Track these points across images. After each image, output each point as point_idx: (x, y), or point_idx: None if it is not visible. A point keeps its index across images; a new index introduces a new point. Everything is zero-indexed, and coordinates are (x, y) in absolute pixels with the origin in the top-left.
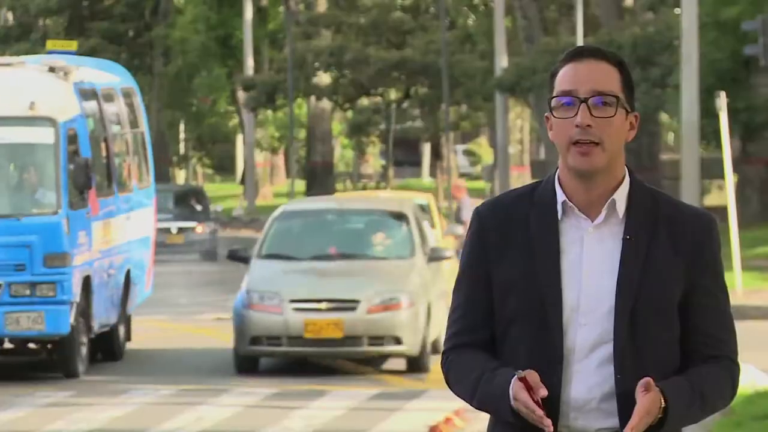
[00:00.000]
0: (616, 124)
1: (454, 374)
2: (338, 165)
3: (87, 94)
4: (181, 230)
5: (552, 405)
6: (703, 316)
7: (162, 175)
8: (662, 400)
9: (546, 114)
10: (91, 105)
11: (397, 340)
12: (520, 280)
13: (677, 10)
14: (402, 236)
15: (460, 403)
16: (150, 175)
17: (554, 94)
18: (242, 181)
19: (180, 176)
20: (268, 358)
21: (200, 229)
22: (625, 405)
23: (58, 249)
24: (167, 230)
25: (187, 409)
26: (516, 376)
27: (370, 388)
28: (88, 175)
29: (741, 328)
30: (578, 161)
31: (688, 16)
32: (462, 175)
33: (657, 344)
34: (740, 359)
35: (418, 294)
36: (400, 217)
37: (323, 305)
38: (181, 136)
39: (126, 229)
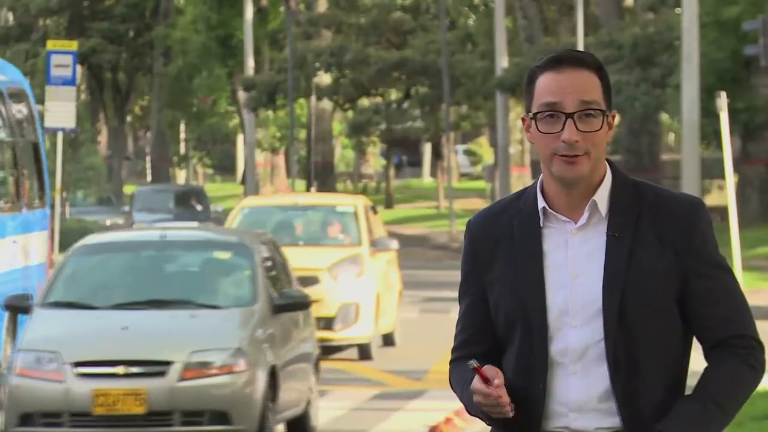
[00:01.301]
0: (601, 135)
1: (452, 387)
2: (339, 165)
3: None
4: None
5: (536, 411)
6: (702, 300)
7: (163, 175)
8: None
9: (522, 116)
10: None
11: (224, 417)
12: (507, 289)
13: (678, 10)
14: (241, 277)
15: (459, 403)
16: (45, 194)
17: (537, 109)
18: (243, 181)
19: (180, 176)
20: None
21: None
22: (625, 402)
23: None
24: None
25: None
26: (471, 367)
27: (370, 388)
28: None
29: None
30: (563, 170)
31: (689, 15)
32: (463, 175)
33: (651, 338)
34: None
35: (256, 354)
36: (240, 251)
37: (120, 369)
38: (182, 136)
39: (13, 254)
